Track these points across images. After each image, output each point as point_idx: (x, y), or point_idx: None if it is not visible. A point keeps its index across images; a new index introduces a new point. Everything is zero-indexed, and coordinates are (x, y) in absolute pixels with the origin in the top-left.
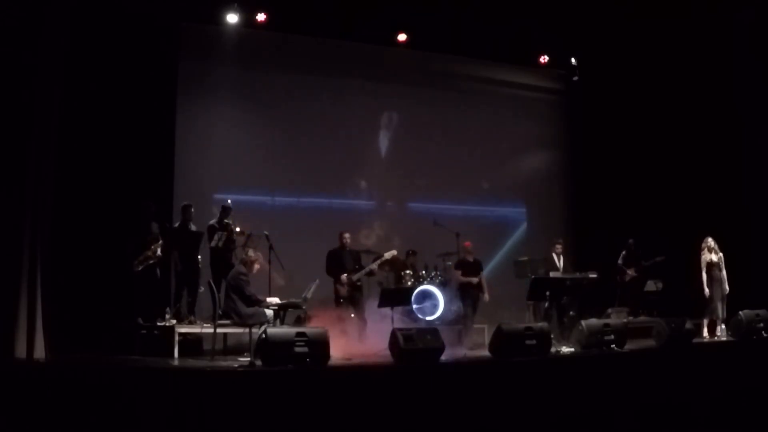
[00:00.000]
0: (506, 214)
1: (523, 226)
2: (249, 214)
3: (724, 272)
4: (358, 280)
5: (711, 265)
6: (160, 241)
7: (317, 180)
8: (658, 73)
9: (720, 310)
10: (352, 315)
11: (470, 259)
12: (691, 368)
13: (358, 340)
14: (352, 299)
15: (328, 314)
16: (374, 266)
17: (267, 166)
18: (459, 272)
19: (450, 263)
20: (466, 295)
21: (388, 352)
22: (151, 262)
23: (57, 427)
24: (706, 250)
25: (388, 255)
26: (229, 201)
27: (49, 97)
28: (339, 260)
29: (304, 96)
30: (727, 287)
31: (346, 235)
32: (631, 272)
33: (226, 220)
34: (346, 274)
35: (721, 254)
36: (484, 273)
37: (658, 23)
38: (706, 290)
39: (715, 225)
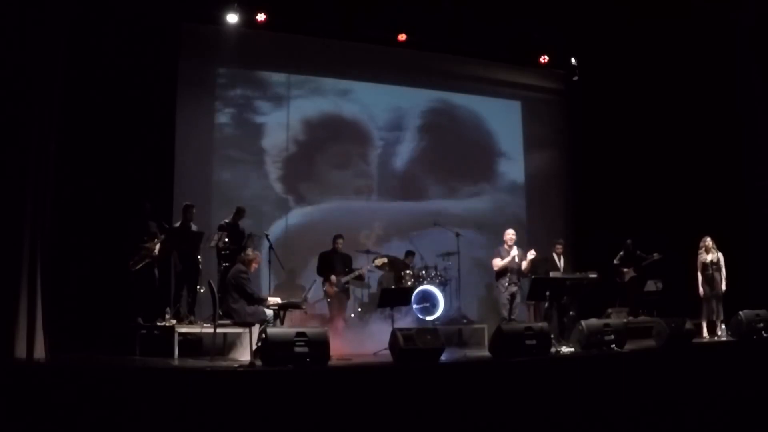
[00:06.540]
0: (506, 213)
1: None
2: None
3: (722, 272)
4: (347, 282)
5: (705, 265)
6: (156, 240)
7: (316, 180)
8: (659, 74)
9: (716, 310)
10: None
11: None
12: (691, 368)
13: (337, 339)
14: (339, 300)
15: (310, 313)
16: (363, 271)
17: (267, 165)
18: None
19: (450, 263)
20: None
21: (388, 352)
22: (148, 260)
23: (57, 427)
24: (703, 250)
25: (378, 262)
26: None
27: (49, 97)
28: (330, 262)
29: (303, 96)
30: (722, 287)
31: (340, 240)
32: (628, 272)
33: (239, 222)
34: (334, 276)
35: (719, 254)
36: None
37: (659, 23)
38: (701, 290)
39: (715, 225)
